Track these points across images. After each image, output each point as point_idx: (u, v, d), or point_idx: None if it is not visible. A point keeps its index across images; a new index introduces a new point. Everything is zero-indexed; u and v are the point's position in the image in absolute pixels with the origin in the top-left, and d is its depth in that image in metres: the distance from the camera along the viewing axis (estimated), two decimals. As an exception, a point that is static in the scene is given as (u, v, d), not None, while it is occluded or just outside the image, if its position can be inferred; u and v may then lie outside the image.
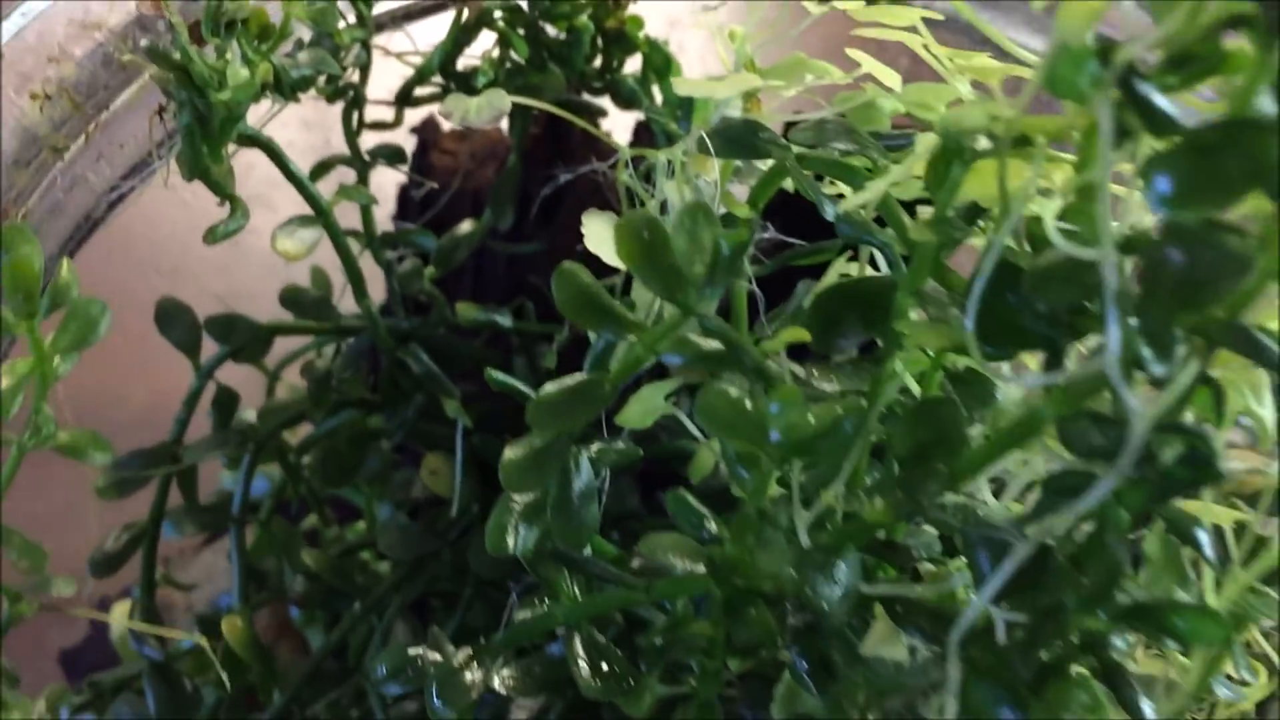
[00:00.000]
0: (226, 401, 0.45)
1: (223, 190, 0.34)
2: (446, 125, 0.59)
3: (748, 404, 0.24)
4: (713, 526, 0.28)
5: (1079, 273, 0.22)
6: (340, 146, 0.43)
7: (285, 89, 0.37)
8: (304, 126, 0.57)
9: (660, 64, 0.44)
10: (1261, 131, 0.19)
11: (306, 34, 0.40)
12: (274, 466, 0.54)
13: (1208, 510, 0.33)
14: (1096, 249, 0.21)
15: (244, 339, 0.43)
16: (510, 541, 0.31)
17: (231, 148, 0.36)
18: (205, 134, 0.33)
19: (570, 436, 0.29)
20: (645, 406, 0.29)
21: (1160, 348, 0.21)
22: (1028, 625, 0.24)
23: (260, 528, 0.48)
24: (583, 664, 0.32)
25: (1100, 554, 0.24)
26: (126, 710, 0.49)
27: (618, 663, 0.32)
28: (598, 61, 0.45)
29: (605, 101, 0.47)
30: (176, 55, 0.32)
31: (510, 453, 0.28)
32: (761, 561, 0.25)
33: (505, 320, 0.45)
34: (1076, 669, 0.26)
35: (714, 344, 0.25)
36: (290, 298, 0.44)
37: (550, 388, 0.27)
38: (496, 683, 0.36)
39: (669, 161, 0.37)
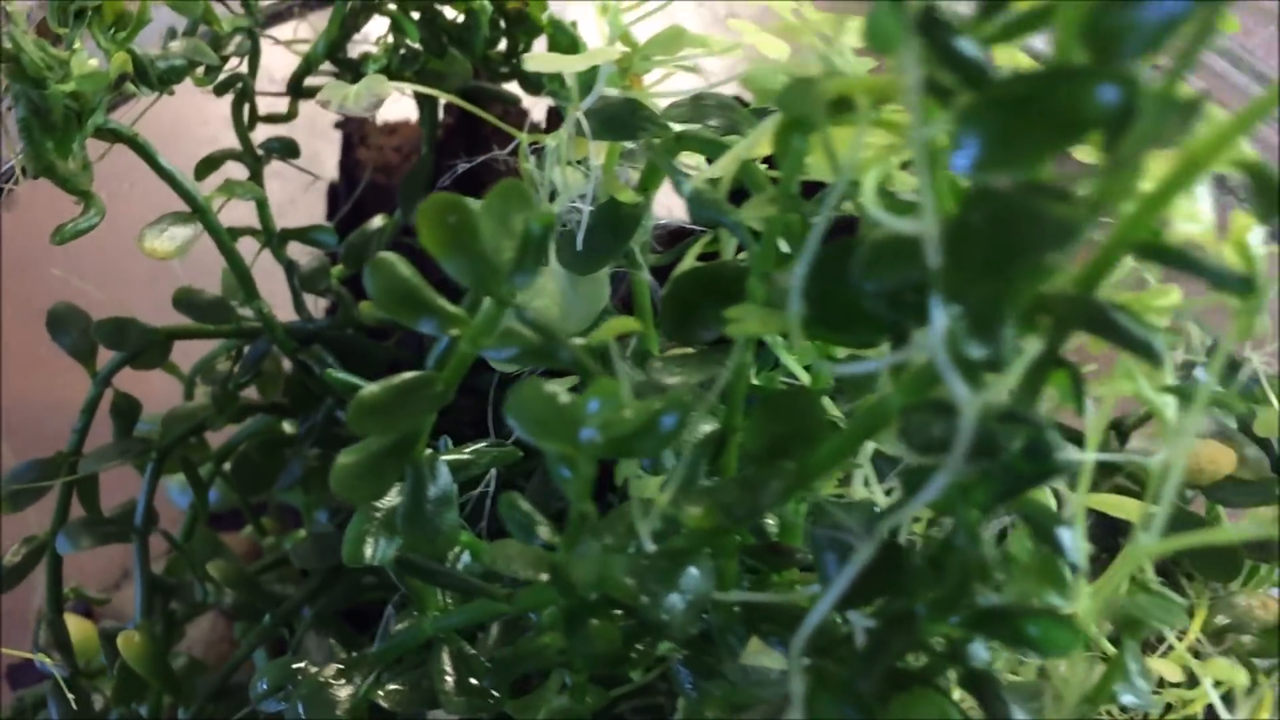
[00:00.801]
0: (126, 409, 0.43)
1: (74, 187, 0.33)
2: (377, 120, 0.57)
3: (561, 400, 0.22)
4: (545, 532, 0.26)
5: (909, 249, 0.20)
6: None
7: (152, 80, 0.35)
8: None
9: (566, 45, 0.42)
10: (1074, 80, 0.17)
11: (182, 23, 0.38)
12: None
13: (1111, 503, 0.31)
14: (918, 220, 0.19)
15: (137, 344, 0.41)
16: (368, 552, 0.30)
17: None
18: (46, 127, 0.31)
19: (413, 439, 0.27)
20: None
21: (983, 328, 0.19)
22: (877, 632, 0.22)
23: (179, 540, 0.47)
24: (448, 679, 0.30)
25: (952, 556, 0.22)
26: (42, 729, 0.47)
27: (485, 674, 0.30)
28: (503, 46, 0.43)
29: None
30: (8, 45, 0.30)
31: (344, 457, 0.26)
32: (575, 570, 0.23)
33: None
34: (936, 679, 0.24)
35: (534, 337, 0.23)
36: (184, 300, 0.42)
37: (375, 387, 0.25)
38: (380, 697, 0.35)
39: (558, 146, 0.35)
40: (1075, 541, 0.22)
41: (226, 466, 0.49)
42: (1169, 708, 0.36)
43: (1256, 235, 0.22)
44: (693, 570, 0.25)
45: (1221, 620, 0.40)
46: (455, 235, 0.22)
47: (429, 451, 0.28)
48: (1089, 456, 0.24)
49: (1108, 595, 0.24)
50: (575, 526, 0.23)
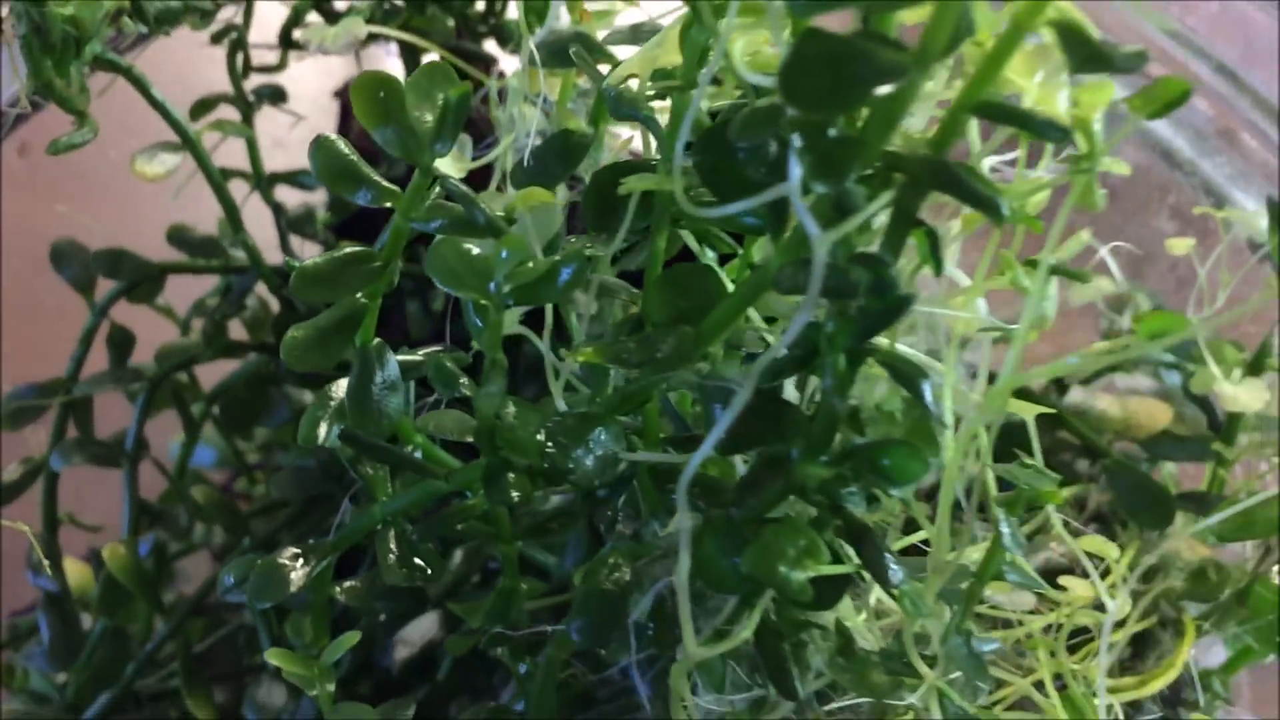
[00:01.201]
0: (121, 340, 0.46)
1: (70, 106, 0.35)
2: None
3: (474, 252, 0.24)
4: (466, 386, 0.28)
5: (772, 112, 0.22)
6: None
7: (148, 18, 0.38)
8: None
9: (540, 6, 0.45)
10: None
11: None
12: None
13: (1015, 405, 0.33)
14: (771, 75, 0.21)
15: (132, 274, 0.44)
16: (320, 433, 0.32)
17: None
18: (45, 47, 0.34)
19: (357, 316, 0.29)
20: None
21: (829, 169, 0.21)
22: (753, 470, 0.25)
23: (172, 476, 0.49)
24: (391, 554, 0.33)
25: (823, 401, 0.24)
26: (35, 648, 0.50)
27: (425, 554, 0.32)
28: (481, 6, 0.46)
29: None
30: (10, -34, 0.33)
31: (294, 331, 0.29)
32: (481, 405, 0.25)
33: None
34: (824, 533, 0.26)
35: (457, 207, 0.26)
36: (176, 236, 0.45)
37: (319, 258, 0.28)
38: (337, 592, 0.37)
39: (518, 84, 0.37)
40: (937, 394, 0.24)
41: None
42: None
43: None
44: (602, 431, 0.27)
45: (1149, 559, 0.42)
46: (384, 107, 0.25)
47: (378, 341, 0.31)
48: (951, 313, 0.26)
49: (967, 441, 0.26)
50: (486, 371, 0.25)
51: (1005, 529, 0.27)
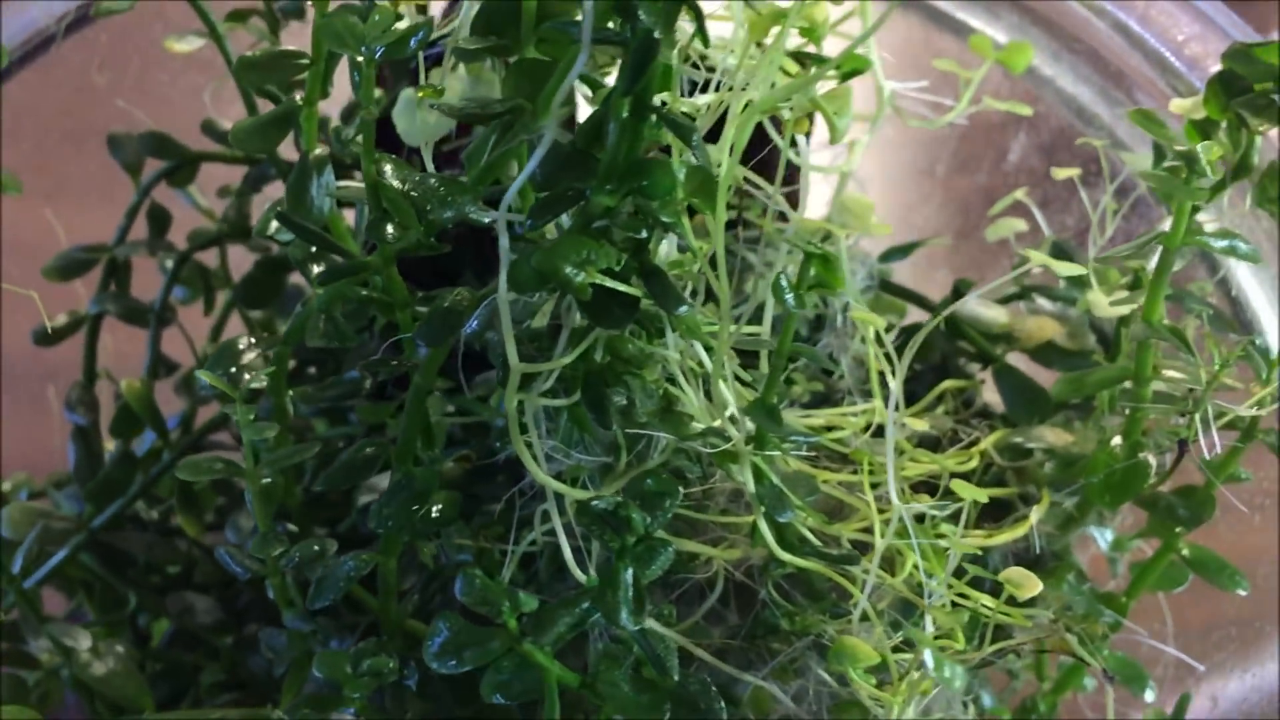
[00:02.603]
0: (159, 216, 0.55)
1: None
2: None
3: (355, 21, 0.32)
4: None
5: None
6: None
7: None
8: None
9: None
10: None
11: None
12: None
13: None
14: None
15: (174, 156, 0.53)
16: (272, 226, 0.39)
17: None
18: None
19: (292, 111, 0.37)
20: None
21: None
22: (550, 199, 0.31)
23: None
24: (320, 322, 0.39)
25: (611, 145, 0.30)
26: (70, 488, 0.58)
27: (342, 329, 0.39)
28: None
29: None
30: None
31: (241, 122, 0.37)
32: (366, 167, 0.32)
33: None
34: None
35: None
36: (209, 128, 0.54)
37: (256, 51, 0.35)
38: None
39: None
40: (698, 141, 0.30)
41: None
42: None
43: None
44: (465, 196, 0.34)
45: (1015, 440, 0.47)
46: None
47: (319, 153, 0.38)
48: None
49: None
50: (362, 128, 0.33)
51: (790, 299, 0.33)
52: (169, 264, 0.55)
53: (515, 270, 0.31)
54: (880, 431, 0.41)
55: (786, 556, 0.37)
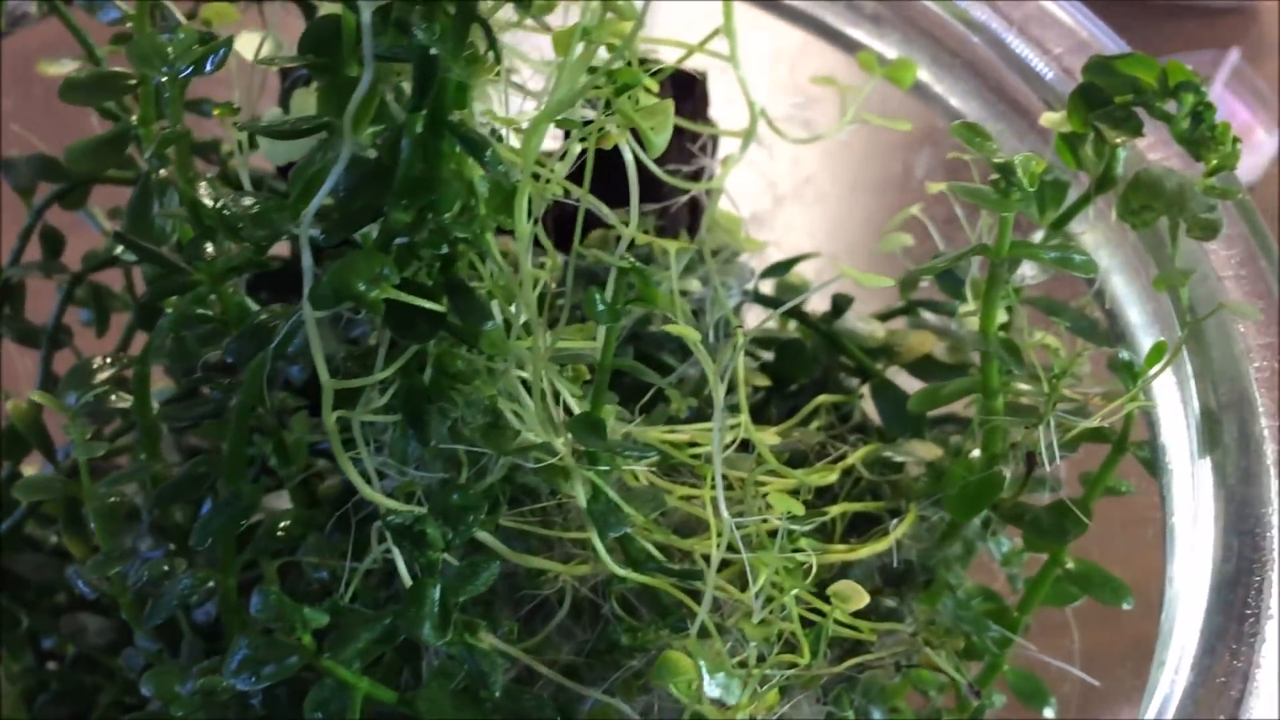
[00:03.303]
0: (53, 238, 0.55)
1: None
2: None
3: (162, 41, 0.32)
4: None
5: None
6: None
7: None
8: None
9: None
10: None
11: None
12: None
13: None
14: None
15: (63, 179, 0.53)
16: (118, 249, 0.40)
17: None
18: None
19: (128, 135, 0.37)
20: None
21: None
22: (350, 212, 0.31)
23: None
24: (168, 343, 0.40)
25: (403, 162, 0.31)
26: None
27: (190, 345, 0.39)
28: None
29: None
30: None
31: (75, 143, 0.37)
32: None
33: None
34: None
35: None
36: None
37: (82, 72, 0.36)
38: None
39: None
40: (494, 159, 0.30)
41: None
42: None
43: None
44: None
45: (885, 454, 0.47)
46: None
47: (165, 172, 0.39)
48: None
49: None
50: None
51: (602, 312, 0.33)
52: (73, 287, 0.55)
53: (313, 287, 0.31)
54: (744, 446, 0.41)
55: (624, 572, 0.37)
